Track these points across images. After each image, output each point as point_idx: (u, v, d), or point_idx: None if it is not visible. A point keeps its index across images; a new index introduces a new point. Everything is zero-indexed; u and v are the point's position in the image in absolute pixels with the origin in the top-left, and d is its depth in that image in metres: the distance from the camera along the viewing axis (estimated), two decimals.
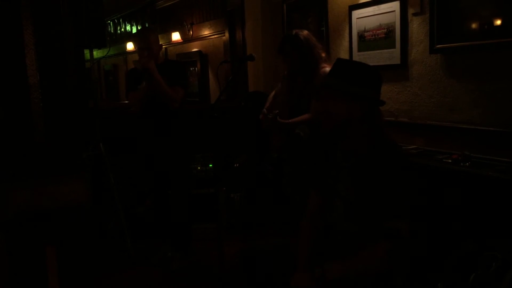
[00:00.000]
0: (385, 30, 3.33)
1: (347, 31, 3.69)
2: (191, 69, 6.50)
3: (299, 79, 3.07)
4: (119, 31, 8.67)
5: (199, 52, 6.32)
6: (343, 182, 1.80)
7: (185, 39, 6.46)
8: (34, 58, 3.13)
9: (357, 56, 3.59)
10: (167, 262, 3.32)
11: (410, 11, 3.15)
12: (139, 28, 7.70)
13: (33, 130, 3.12)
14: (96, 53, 4.32)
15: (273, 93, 3.39)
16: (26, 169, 2.95)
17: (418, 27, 3.11)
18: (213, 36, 5.78)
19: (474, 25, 2.72)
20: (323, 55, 3.08)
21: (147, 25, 7.44)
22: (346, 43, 3.73)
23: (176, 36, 6.55)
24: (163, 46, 6.87)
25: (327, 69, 2.82)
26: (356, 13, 3.56)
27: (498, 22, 2.59)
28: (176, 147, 3.33)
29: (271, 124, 2.98)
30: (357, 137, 1.77)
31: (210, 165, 4.07)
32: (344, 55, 3.74)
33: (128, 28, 8.23)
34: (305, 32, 3.09)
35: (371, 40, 3.47)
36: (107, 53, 4.73)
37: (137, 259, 3.42)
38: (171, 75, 3.16)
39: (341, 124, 1.75)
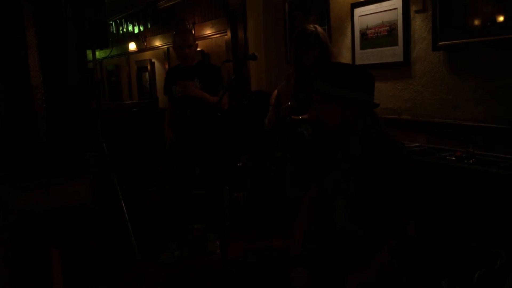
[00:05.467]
0: (388, 27, 3.32)
1: (349, 29, 3.68)
2: None
3: (310, 75, 3.03)
4: (121, 32, 8.67)
5: (201, 51, 6.31)
6: (346, 183, 1.78)
7: None
8: (37, 59, 3.13)
9: (360, 54, 3.58)
10: (174, 261, 3.37)
11: (413, 8, 3.13)
12: (141, 28, 7.71)
13: (36, 130, 3.12)
14: (99, 54, 4.32)
15: (275, 92, 3.35)
16: (29, 170, 2.94)
17: (420, 24, 3.10)
18: (215, 36, 5.78)
19: (476, 22, 2.71)
20: (333, 50, 3.08)
21: (148, 25, 7.44)
22: (348, 41, 3.72)
23: None
24: (165, 47, 6.90)
25: None
26: (358, 11, 3.55)
27: (501, 18, 2.58)
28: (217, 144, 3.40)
29: (284, 118, 2.95)
30: (354, 140, 1.76)
31: None
32: (347, 53, 3.73)
33: (130, 28, 8.23)
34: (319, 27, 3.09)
35: (373, 37, 3.46)
36: (109, 54, 4.74)
37: (142, 260, 3.42)
38: (208, 81, 3.26)
39: (335, 128, 1.74)
